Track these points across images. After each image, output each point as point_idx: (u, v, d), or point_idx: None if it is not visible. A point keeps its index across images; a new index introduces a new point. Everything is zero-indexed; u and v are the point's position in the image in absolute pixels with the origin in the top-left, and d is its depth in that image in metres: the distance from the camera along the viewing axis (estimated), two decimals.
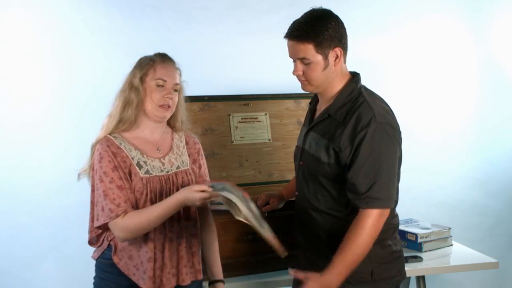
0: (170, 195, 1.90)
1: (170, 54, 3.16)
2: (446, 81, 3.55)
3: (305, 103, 2.98)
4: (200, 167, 2.09)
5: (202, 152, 2.12)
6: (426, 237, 2.70)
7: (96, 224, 1.85)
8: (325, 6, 3.33)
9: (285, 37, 1.90)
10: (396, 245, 1.97)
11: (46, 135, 2.99)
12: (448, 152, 3.53)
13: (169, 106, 1.94)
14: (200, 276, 2.02)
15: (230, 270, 2.28)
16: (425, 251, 2.68)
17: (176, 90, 1.98)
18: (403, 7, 3.45)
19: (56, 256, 3.03)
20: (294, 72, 1.91)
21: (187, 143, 2.08)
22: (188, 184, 1.96)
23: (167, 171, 1.95)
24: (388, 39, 3.43)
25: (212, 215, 2.19)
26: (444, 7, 3.51)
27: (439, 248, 2.73)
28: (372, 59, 3.35)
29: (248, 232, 2.29)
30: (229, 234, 2.26)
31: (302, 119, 2.97)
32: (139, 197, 1.87)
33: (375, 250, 1.84)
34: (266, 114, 2.88)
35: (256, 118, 2.86)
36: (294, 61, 1.91)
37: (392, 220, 1.95)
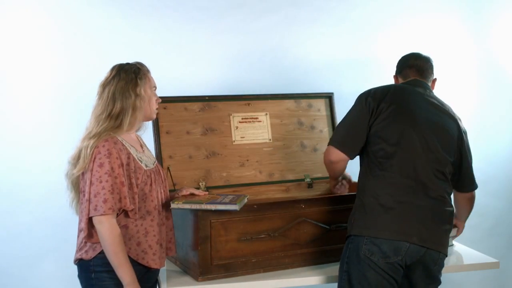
0: (160, 184, 2.17)
1: (170, 54, 3.19)
2: (445, 81, 3.54)
3: (305, 103, 2.98)
4: None
5: None
6: None
7: (95, 213, 1.94)
8: (325, 6, 3.37)
9: None
10: None
11: (46, 135, 2.99)
12: None
13: None
14: (169, 253, 2.24)
15: (230, 270, 2.28)
16: None
17: None
18: (403, 7, 3.45)
19: (56, 256, 3.03)
20: None
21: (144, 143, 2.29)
22: (164, 177, 2.22)
23: (153, 164, 2.17)
24: (388, 38, 3.43)
25: (213, 215, 2.20)
26: (444, 7, 3.51)
27: None
28: (372, 58, 3.36)
29: (248, 232, 2.29)
30: (229, 234, 2.27)
31: (302, 119, 2.98)
32: (144, 187, 2.06)
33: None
34: (266, 114, 2.88)
35: (256, 118, 2.86)
36: None
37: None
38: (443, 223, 2.13)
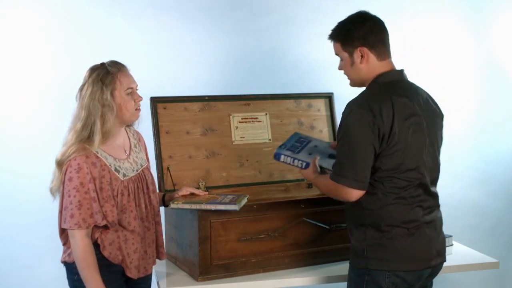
0: (144, 192, 2.11)
1: (170, 54, 3.20)
2: (446, 81, 3.55)
3: (305, 103, 2.98)
4: (148, 161, 2.27)
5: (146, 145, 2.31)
6: None
7: (64, 226, 1.96)
8: (325, 6, 3.37)
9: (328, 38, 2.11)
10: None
11: (46, 136, 2.99)
12: (448, 152, 3.51)
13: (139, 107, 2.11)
14: (162, 257, 2.24)
15: (230, 270, 2.28)
16: None
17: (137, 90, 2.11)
18: (403, 7, 3.45)
19: (55, 257, 3.01)
20: (338, 68, 2.13)
21: (139, 140, 2.23)
22: (152, 181, 2.17)
23: (137, 170, 2.11)
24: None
25: (213, 215, 2.20)
26: (444, 7, 3.52)
27: None
28: None
29: (248, 232, 2.29)
30: (229, 234, 2.27)
31: (302, 119, 2.98)
32: (121, 198, 2.02)
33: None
34: (266, 114, 2.88)
35: (256, 118, 2.86)
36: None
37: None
38: (441, 231, 2.11)
